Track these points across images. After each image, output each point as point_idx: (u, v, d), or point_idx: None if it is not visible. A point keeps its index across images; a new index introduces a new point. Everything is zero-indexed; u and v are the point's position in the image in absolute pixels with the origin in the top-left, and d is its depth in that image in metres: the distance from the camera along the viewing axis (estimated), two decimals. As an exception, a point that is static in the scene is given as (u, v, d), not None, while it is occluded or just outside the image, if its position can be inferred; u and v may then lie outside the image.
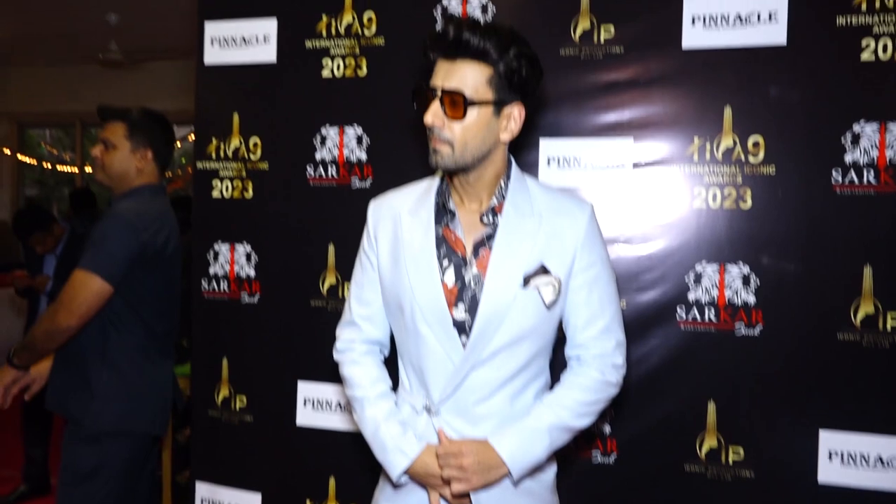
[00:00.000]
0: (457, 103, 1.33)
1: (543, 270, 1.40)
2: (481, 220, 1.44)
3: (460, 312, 1.42)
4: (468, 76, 1.33)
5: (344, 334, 1.58)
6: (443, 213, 1.46)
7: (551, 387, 1.52)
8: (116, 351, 2.17)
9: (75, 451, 2.15)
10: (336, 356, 1.58)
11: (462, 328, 1.42)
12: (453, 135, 1.35)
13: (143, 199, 2.24)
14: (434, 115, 1.35)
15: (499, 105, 1.37)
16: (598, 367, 1.46)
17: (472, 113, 1.34)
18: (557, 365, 1.55)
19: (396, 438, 1.43)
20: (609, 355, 1.47)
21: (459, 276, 1.43)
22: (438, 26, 1.36)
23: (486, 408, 1.43)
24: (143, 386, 2.22)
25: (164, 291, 2.27)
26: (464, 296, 1.42)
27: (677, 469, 2.06)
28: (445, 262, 1.43)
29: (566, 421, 1.43)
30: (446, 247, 1.44)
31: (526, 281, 1.39)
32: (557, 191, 1.53)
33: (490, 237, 1.43)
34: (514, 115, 1.40)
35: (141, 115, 2.31)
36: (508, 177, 1.46)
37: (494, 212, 1.44)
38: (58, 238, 4.02)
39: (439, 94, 1.34)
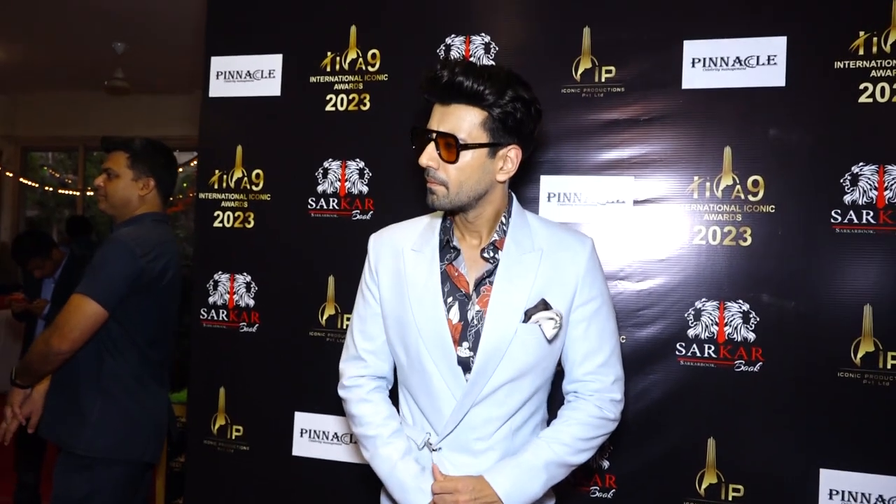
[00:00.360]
0: (450, 146, 1.34)
1: (544, 305, 1.40)
2: (482, 255, 1.45)
3: (464, 350, 1.42)
4: (462, 120, 1.35)
5: (350, 370, 1.57)
6: (447, 250, 1.47)
7: (548, 421, 1.52)
8: (111, 377, 2.16)
9: (68, 478, 2.13)
10: (342, 393, 1.58)
11: (466, 365, 1.42)
12: (448, 176, 1.37)
13: (144, 226, 2.26)
14: (429, 157, 1.37)
15: (493, 147, 1.38)
16: (597, 402, 1.46)
17: (466, 156, 1.35)
18: (557, 399, 1.56)
19: (416, 478, 1.43)
20: (607, 390, 1.47)
21: (464, 314, 1.43)
22: (434, 70, 1.37)
23: (485, 444, 1.44)
24: (138, 413, 2.20)
25: (160, 319, 2.26)
26: (467, 333, 1.42)
27: (677, 506, 2.05)
28: (450, 300, 1.44)
29: (563, 457, 1.43)
30: (450, 284, 1.45)
31: (527, 316, 1.40)
32: (558, 226, 1.54)
33: (491, 273, 1.43)
34: (511, 157, 1.41)
35: (143, 145, 2.33)
36: (509, 213, 1.47)
37: (495, 247, 1.45)
38: (57, 263, 4.03)
39: (434, 136, 1.36)
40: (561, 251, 1.45)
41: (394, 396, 1.60)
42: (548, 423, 1.53)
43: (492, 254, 1.44)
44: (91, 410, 2.13)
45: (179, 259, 2.34)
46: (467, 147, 1.35)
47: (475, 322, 1.42)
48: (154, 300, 2.21)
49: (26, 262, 3.97)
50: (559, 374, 1.54)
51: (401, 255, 1.49)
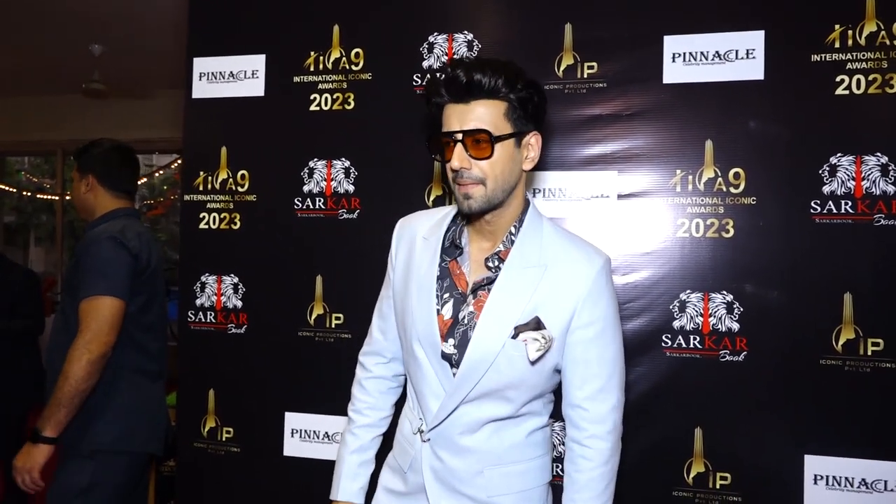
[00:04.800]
0: (481, 142, 1.32)
1: (536, 324, 1.37)
2: (486, 263, 1.44)
3: (449, 347, 1.43)
4: (486, 115, 1.33)
5: (363, 358, 1.67)
6: (453, 246, 1.48)
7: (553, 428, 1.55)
8: (112, 369, 2.14)
9: (69, 469, 2.13)
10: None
11: (451, 361, 1.43)
12: (484, 172, 1.34)
13: (116, 221, 2.27)
14: (460, 158, 1.34)
15: (519, 136, 1.38)
16: (594, 440, 1.42)
17: (498, 148, 1.34)
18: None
19: (344, 477, 1.59)
20: (601, 420, 1.42)
21: (456, 312, 1.43)
22: (444, 73, 1.35)
23: (470, 441, 1.44)
24: (140, 404, 2.23)
25: (152, 308, 2.28)
26: (455, 331, 1.43)
27: (665, 495, 2.08)
28: (447, 296, 1.45)
29: None
30: (450, 280, 1.46)
31: (516, 332, 1.37)
32: (573, 240, 1.47)
33: (491, 281, 1.42)
34: (533, 144, 1.42)
35: (83, 147, 2.39)
36: (521, 222, 1.44)
37: (500, 258, 1.43)
38: None
39: (460, 137, 1.33)
40: (566, 269, 1.40)
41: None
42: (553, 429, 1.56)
43: (495, 263, 1.43)
44: (94, 404, 2.12)
45: (160, 251, 2.36)
46: (499, 139, 1.34)
47: (464, 321, 1.42)
48: (145, 289, 2.23)
49: None
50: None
51: (415, 241, 1.52)
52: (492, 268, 1.43)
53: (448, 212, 1.53)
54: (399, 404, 1.66)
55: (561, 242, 1.44)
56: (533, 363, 1.38)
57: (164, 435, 2.33)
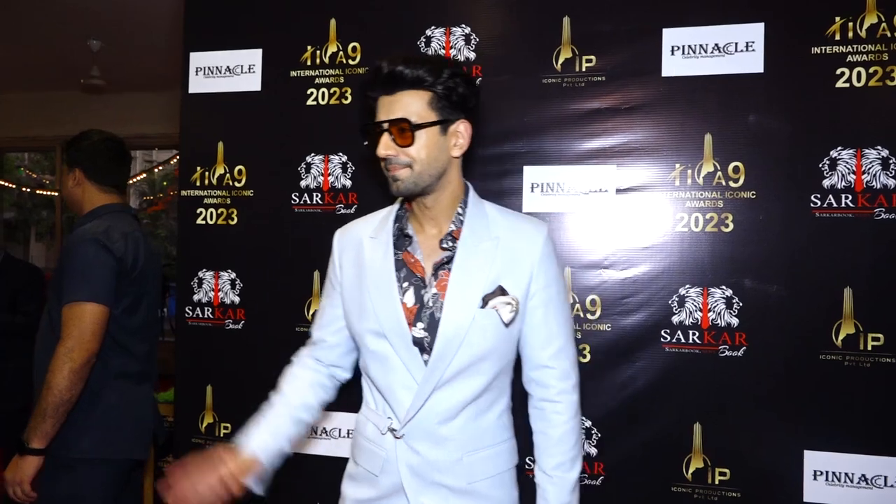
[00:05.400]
0: (404, 130, 1.40)
1: (501, 291, 1.45)
2: (441, 245, 1.49)
3: (419, 331, 1.46)
4: (410, 104, 1.40)
5: (302, 350, 1.70)
6: (402, 237, 1.53)
7: (513, 409, 1.57)
8: (95, 376, 2.08)
9: (51, 479, 2.08)
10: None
11: (422, 346, 1.45)
12: (410, 157, 1.41)
13: (101, 219, 2.20)
14: (386, 146, 1.41)
15: (444, 124, 1.43)
16: (563, 395, 1.52)
17: (421, 136, 1.41)
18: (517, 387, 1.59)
19: (252, 431, 1.54)
20: (567, 376, 1.53)
21: (419, 297, 1.47)
22: (374, 67, 1.44)
23: (449, 428, 1.46)
24: (122, 409, 2.15)
25: (139, 310, 2.21)
26: (422, 315, 1.46)
27: (664, 490, 2.07)
28: (406, 284, 1.48)
29: (567, 484, 1.50)
30: (406, 270, 1.50)
31: (485, 302, 1.44)
32: (514, 214, 1.58)
33: (450, 260, 1.47)
34: (461, 131, 1.47)
35: (73, 138, 2.32)
36: (466, 203, 1.52)
37: (453, 237, 1.49)
38: None
39: (386, 126, 1.41)
40: (517, 239, 1.49)
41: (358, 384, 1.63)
42: (512, 410, 1.57)
43: (450, 243, 1.49)
44: (74, 411, 2.05)
45: (150, 249, 2.28)
46: (420, 127, 1.40)
47: (430, 304, 1.46)
48: (131, 291, 2.16)
49: None
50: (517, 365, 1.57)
51: (361, 244, 1.55)
52: (448, 248, 1.49)
53: (389, 211, 1.58)
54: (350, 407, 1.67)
55: (505, 217, 1.54)
56: (508, 325, 1.45)
57: (149, 439, 2.27)
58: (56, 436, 2.04)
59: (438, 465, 1.45)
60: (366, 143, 1.47)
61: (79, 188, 2.29)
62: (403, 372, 1.45)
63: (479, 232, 1.48)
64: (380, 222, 1.56)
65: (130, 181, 8.58)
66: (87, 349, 2.00)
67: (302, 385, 1.63)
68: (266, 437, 1.54)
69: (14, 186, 8.85)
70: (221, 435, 2.44)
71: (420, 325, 1.46)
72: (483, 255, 1.46)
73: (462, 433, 1.46)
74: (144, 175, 9.85)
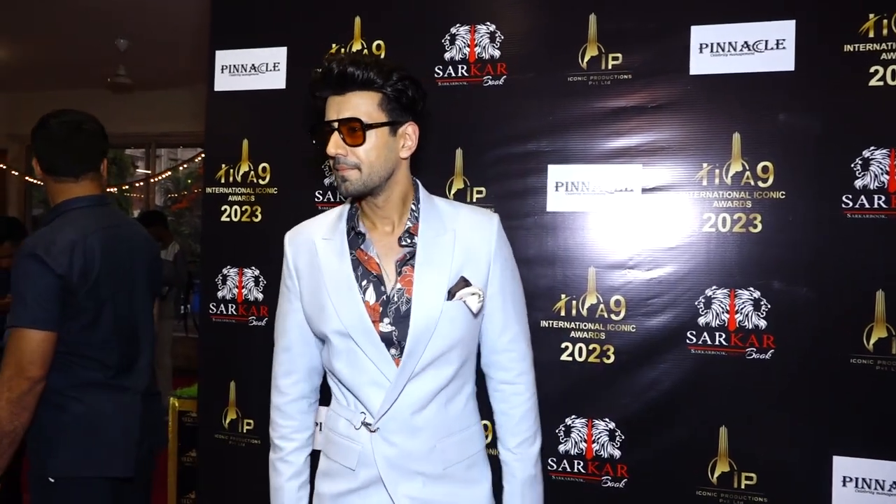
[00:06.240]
0: (355, 130, 1.41)
1: (465, 282, 1.50)
2: (399, 243, 1.52)
3: (386, 326, 1.48)
4: (360, 104, 1.42)
5: (278, 381, 1.67)
6: (355, 236, 1.54)
7: (477, 394, 1.62)
8: (60, 392, 1.95)
9: (34, 499, 1.98)
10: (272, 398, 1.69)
11: (389, 341, 1.47)
12: (358, 158, 1.43)
13: (52, 225, 2.00)
14: (336, 145, 1.42)
15: (393, 126, 1.46)
16: (522, 376, 1.61)
17: (371, 136, 1.43)
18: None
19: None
20: (524, 357, 1.61)
21: (380, 294, 1.49)
22: (323, 66, 1.45)
23: (422, 418, 1.49)
24: (95, 424, 1.98)
25: (105, 320, 2.00)
26: (388, 310, 1.48)
27: (689, 494, 2.04)
28: (364, 283, 1.50)
29: (529, 468, 1.60)
30: (362, 268, 1.51)
31: (451, 294, 1.48)
32: (464, 206, 1.62)
33: (412, 256, 1.51)
34: (409, 133, 1.50)
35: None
36: (418, 199, 1.56)
37: (411, 233, 1.52)
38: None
39: (336, 126, 1.42)
40: (472, 230, 1.54)
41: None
42: (476, 396, 1.63)
43: (409, 240, 1.52)
44: (44, 429, 1.95)
45: (122, 245, 2.08)
46: (371, 127, 1.42)
47: (395, 299, 1.49)
48: (88, 306, 1.96)
49: None
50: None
51: (313, 246, 1.56)
52: (407, 244, 1.52)
53: (341, 211, 1.60)
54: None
55: (456, 210, 1.58)
56: (476, 314, 1.52)
57: (134, 453, 2.05)
58: (34, 455, 1.96)
59: (414, 455, 1.49)
60: (314, 141, 1.49)
61: (44, 182, 2.08)
62: (373, 369, 1.47)
63: (435, 226, 1.52)
64: (332, 224, 1.58)
65: (154, 179, 8.70)
66: (29, 377, 1.86)
67: (296, 422, 1.65)
68: None
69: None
70: (244, 431, 2.45)
71: (387, 320, 1.48)
72: (443, 249, 1.50)
73: (434, 421, 1.50)
74: (169, 173, 9.96)
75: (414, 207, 1.54)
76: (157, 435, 2.26)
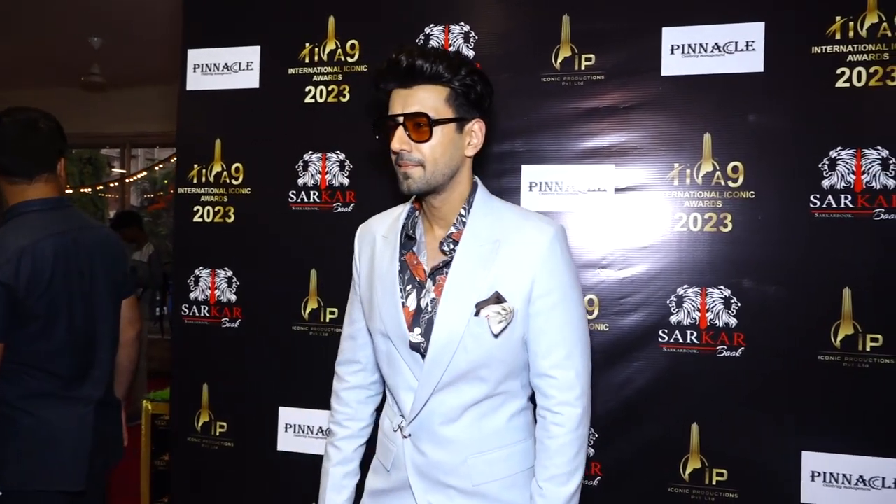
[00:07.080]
0: (421, 125, 1.36)
1: (497, 299, 1.39)
2: (441, 248, 1.46)
3: (416, 336, 1.44)
4: (427, 99, 1.37)
5: (339, 368, 1.67)
6: (408, 238, 1.51)
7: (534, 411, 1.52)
8: (9, 403, 1.88)
9: None
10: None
11: (419, 350, 1.44)
12: (423, 155, 1.38)
13: (2, 230, 1.92)
14: (400, 140, 1.38)
15: (460, 122, 1.41)
16: (564, 407, 1.42)
17: (437, 132, 1.38)
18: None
19: (330, 489, 1.60)
20: (570, 387, 1.42)
21: (418, 300, 1.46)
22: (392, 58, 1.40)
23: (451, 430, 1.44)
24: (46, 437, 1.90)
25: (55, 330, 1.92)
26: (420, 320, 1.44)
27: (661, 491, 2.06)
28: (409, 287, 1.47)
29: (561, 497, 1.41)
30: (409, 272, 1.48)
31: (478, 309, 1.39)
32: (525, 214, 1.50)
33: (448, 264, 1.44)
34: (476, 130, 1.44)
35: None
36: (471, 203, 1.47)
37: (453, 240, 1.45)
38: None
39: (402, 120, 1.38)
40: (520, 242, 1.42)
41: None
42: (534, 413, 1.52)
43: (451, 246, 1.45)
44: None
45: (82, 249, 2.01)
46: (438, 123, 1.37)
47: (428, 309, 1.44)
48: (38, 314, 1.88)
49: None
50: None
51: (374, 242, 1.54)
52: (447, 251, 1.45)
53: (403, 209, 1.56)
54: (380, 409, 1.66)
55: (512, 218, 1.46)
56: (496, 336, 1.39)
57: (86, 466, 1.97)
58: None
59: (443, 467, 1.44)
60: (377, 136, 1.44)
61: None
62: (407, 372, 1.45)
63: (480, 235, 1.43)
64: (393, 221, 1.54)
65: (130, 179, 8.60)
66: None
67: (352, 410, 1.64)
68: (339, 497, 1.61)
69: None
70: (217, 434, 2.43)
71: (417, 330, 1.44)
72: (482, 260, 1.41)
73: (464, 435, 1.43)
74: (145, 173, 9.84)
75: (463, 212, 1.46)
76: (113, 448, 2.15)
